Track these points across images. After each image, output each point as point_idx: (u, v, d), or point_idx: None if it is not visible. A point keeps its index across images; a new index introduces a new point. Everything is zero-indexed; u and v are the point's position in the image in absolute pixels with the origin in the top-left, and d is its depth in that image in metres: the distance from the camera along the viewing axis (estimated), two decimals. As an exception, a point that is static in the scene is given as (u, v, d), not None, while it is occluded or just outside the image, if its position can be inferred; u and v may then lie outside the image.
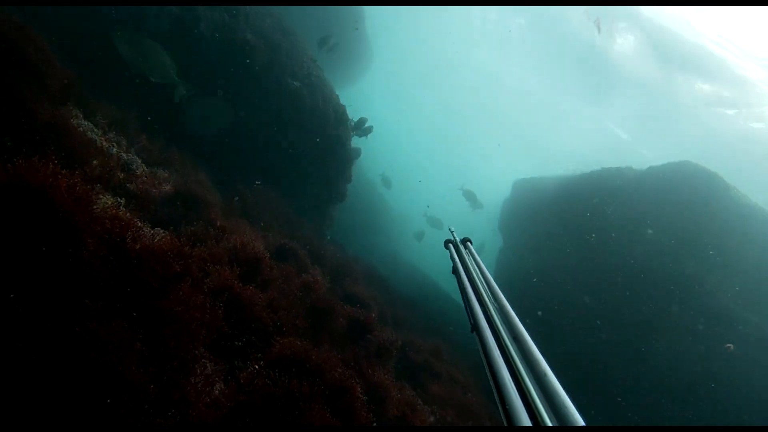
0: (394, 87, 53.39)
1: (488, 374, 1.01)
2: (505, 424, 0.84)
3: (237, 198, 9.74)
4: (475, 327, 1.25)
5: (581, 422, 0.79)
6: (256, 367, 3.81)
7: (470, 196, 27.88)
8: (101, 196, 5.04)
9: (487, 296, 1.45)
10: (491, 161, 64.47)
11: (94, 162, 6.13)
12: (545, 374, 0.92)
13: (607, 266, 13.98)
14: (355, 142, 22.75)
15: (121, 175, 6.06)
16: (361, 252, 20.30)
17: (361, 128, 17.43)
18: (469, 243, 2.18)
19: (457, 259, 1.94)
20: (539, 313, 13.20)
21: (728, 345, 11.06)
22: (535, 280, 15.43)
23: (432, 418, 6.93)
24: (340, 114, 12.72)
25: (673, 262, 13.14)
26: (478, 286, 1.56)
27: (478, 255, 2.01)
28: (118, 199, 5.33)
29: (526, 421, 0.82)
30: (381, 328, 6.88)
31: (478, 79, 42.96)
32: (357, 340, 6.36)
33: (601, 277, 13.86)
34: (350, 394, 3.42)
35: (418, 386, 7.22)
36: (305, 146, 11.79)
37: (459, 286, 1.66)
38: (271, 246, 8.24)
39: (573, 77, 31.18)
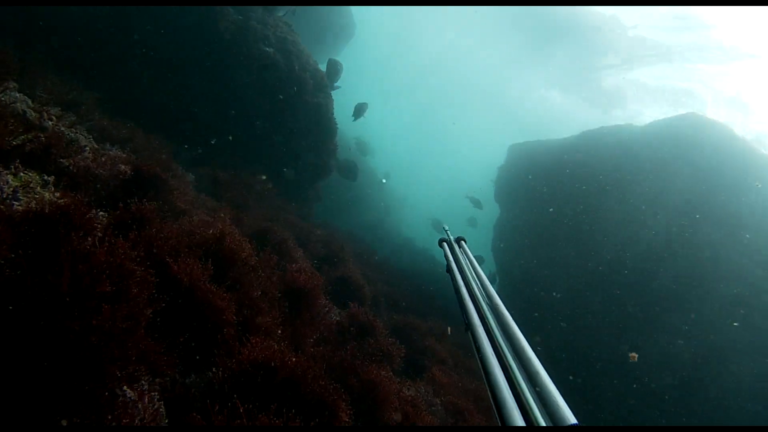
0: (377, 67, 53.81)
1: (483, 375, 1.01)
2: (499, 425, 0.84)
3: (210, 177, 8.75)
4: (469, 326, 1.24)
5: (573, 420, 0.78)
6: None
7: (476, 203, 29.85)
8: (21, 173, 4.06)
9: (481, 295, 1.44)
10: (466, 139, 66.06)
11: (23, 137, 5.12)
12: (538, 373, 0.92)
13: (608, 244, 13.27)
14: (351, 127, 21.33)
15: (55, 151, 5.05)
16: (357, 230, 19.34)
17: (334, 83, 16.00)
18: (463, 242, 2.12)
19: (451, 258, 1.88)
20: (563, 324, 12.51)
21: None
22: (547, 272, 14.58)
23: (441, 408, 6.22)
24: (318, 80, 11.58)
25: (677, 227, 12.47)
26: (471, 285, 1.54)
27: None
28: (45, 177, 4.34)
29: (519, 422, 0.82)
30: (383, 333, 6.03)
31: (447, 59, 45.06)
32: (355, 340, 5.56)
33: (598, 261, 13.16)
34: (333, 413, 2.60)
35: (421, 376, 6.47)
36: (283, 117, 10.71)
37: (453, 285, 1.63)
38: (247, 230, 7.30)
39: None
